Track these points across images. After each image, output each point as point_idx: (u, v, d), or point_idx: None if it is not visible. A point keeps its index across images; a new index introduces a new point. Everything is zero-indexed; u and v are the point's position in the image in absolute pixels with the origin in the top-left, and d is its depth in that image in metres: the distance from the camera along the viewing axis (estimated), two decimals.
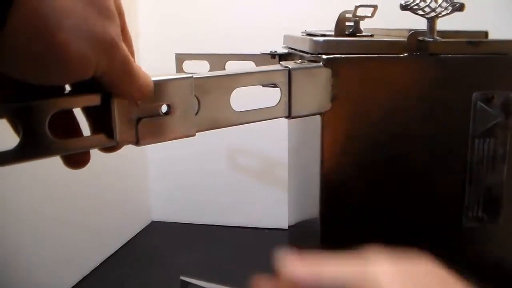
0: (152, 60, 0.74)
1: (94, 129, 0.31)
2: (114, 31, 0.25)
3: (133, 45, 0.30)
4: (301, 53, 0.48)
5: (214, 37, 0.99)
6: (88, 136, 0.30)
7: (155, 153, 1.10)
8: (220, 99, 0.37)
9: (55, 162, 0.29)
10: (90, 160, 0.30)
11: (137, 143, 0.31)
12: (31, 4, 0.20)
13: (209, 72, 0.37)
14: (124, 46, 0.26)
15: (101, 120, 0.30)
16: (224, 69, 0.64)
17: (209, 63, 0.66)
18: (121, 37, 0.26)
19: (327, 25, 0.56)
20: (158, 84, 0.31)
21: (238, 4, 1.00)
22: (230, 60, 0.64)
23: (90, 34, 0.23)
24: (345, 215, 0.46)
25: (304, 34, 0.54)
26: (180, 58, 0.69)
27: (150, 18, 1.03)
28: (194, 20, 1.02)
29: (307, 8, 0.97)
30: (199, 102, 0.35)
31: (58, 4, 0.21)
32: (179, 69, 0.69)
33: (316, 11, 0.94)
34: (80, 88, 0.27)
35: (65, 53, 0.22)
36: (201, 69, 0.57)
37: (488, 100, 0.44)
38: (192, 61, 0.68)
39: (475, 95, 0.44)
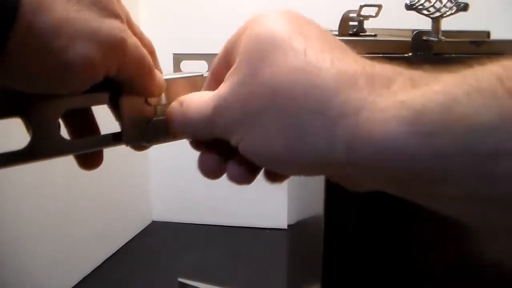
0: None
1: None
2: (119, 27, 0.24)
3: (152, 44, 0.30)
4: None
5: (211, 37, 0.98)
6: (96, 135, 0.30)
7: (155, 154, 1.09)
8: None
9: (55, 162, 0.28)
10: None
11: (148, 142, 0.30)
12: (27, 20, 0.20)
13: None
14: (135, 40, 0.25)
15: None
16: None
17: (207, 63, 0.65)
18: (129, 32, 0.25)
19: (323, 26, 0.56)
20: (169, 83, 0.31)
21: (234, 4, 1.00)
22: None
23: (93, 36, 0.22)
24: (349, 212, 0.46)
25: None
26: (178, 58, 0.68)
27: (149, 18, 1.02)
28: (192, 20, 1.01)
29: (302, 9, 0.97)
30: None
31: (53, 16, 0.21)
32: (177, 69, 0.68)
33: (312, 12, 0.94)
34: (99, 87, 0.26)
35: (65, 60, 0.21)
36: (198, 69, 0.57)
37: None
38: (190, 61, 0.67)
39: None
